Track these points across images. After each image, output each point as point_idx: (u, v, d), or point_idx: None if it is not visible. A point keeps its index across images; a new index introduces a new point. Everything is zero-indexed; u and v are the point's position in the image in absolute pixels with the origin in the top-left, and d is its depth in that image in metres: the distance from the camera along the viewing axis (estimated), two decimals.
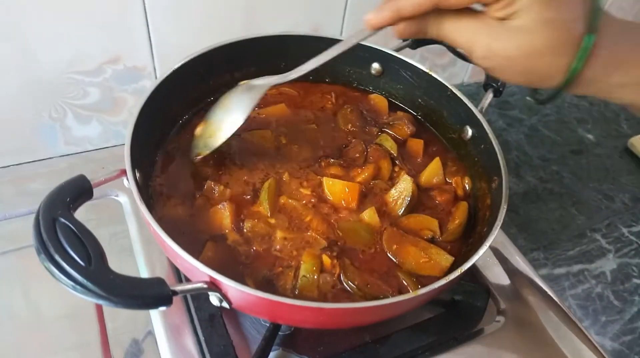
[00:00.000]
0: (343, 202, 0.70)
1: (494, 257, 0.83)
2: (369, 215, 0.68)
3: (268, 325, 0.65)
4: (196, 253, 0.61)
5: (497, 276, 0.81)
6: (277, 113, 0.83)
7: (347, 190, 0.70)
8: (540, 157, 1.23)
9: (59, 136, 0.96)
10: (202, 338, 0.64)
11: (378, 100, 0.89)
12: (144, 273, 0.75)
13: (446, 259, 0.65)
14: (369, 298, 0.60)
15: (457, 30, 0.49)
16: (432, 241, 0.68)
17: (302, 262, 0.62)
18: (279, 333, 0.66)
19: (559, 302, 0.81)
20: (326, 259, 0.63)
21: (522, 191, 1.14)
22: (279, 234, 0.65)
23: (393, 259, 0.65)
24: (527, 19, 0.45)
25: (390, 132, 0.83)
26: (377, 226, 0.68)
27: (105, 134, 1.01)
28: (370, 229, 0.68)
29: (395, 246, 0.65)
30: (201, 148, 0.69)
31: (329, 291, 0.60)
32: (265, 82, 0.68)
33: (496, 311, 0.76)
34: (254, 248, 0.63)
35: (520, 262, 0.85)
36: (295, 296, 0.59)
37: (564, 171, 1.20)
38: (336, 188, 0.70)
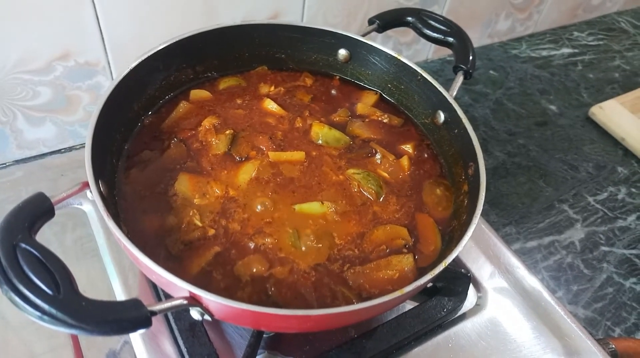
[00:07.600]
0: None
1: (472, 240, 0.83)
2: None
3: (252, 330, 0.63)
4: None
5: (476, 259, 0.81)
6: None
7: None
8: (507, 131, 1.24)
9: (10, 140, 0.91)
10: (184, 350, 0.62)
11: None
12: (115, 282, 0.72)
13: (407, 259, 0.63)
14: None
15: None
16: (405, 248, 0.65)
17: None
18: (264, 335, 0.64)
19: (532, 275, 0.82)
20: None
21: (491, 166, 1.15)
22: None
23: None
24: None
25: None
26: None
27: (62, 135, 0.95)
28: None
29: (367, 285, 0.61)
30: None
31: None
32: None
33: (476, 294, 0.77)
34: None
35: (495, 240, 0.85)
36: None
37: (530, 143, 1.22)
38: None
